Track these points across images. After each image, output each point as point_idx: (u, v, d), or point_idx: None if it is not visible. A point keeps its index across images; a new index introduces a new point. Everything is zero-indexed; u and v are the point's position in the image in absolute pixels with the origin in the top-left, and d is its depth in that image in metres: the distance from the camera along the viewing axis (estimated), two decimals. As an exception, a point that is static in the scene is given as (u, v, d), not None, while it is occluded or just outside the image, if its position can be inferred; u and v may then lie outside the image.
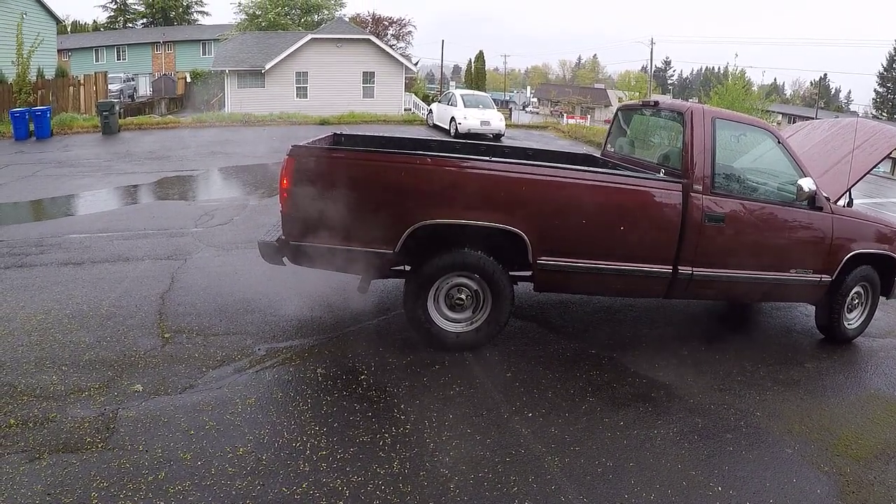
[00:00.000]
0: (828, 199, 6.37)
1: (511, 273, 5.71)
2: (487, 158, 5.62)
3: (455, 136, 23.86)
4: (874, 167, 7.01)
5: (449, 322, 5.68)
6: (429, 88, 55.55)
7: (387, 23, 52.39)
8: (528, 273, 5.71)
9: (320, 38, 35.88)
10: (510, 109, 58.08)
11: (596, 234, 5.61)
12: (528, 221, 5.41)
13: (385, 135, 7.48)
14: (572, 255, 5.62)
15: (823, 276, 6.45)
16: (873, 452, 4.84)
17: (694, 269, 5.89)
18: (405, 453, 4.16)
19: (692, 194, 5.76)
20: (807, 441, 4.87)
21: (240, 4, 51.87)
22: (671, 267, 5.85)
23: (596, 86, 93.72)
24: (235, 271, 7.41)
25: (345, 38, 36.30)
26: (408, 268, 5.63)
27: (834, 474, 4.47)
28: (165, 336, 5.62)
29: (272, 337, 5.74)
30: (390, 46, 42.93)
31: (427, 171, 5.35)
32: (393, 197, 5.26)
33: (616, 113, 7.95)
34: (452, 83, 72.69)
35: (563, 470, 4.16)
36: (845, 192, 6.79)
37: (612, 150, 7.68)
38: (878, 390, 5.98)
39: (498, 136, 25.05)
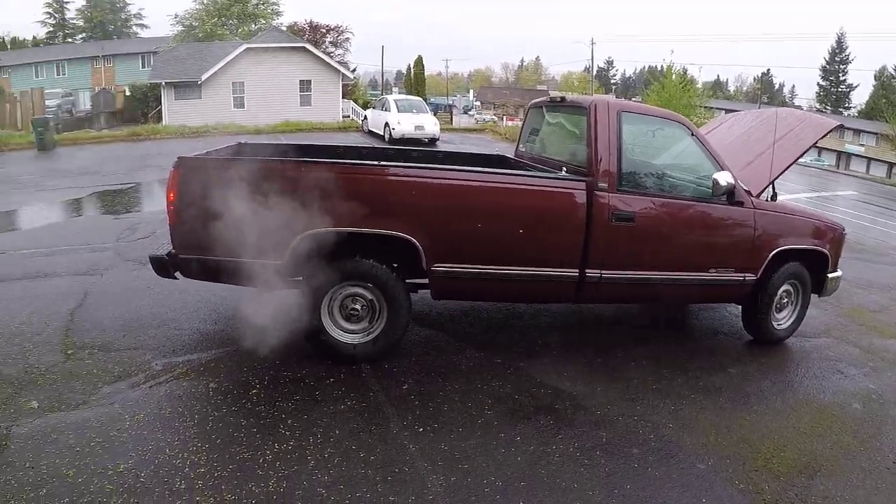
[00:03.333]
0: (749, 193, 6.09)
1: (408, 281, 5.51)
2: (375, 163, 5.42)
3: (389, 142, 23.64)
4: (800, 158, 6.68)
5: (345, 333, 5.43)
6: (371, 95, 55.14)
7: (324, 30, 52.04)
8: (425, 280, 5.47)
9: (256, 48, 35.68)
10: (451, 113, 57.59)
11: (493, 237, 5.37)
12: (419, 227, 5.18)
13: (297, 142, 7.22)
14: (469, 261, 5.39)
15: (747, 274, 6.17)
16: (797, 466, 4.50)
17: (603, 271, 5.61)
18: (284, 471, 3.99)
19: (597, 193, 5.46)
20: (722, 455, 4.53)
21: (177, 16, 51.69)
22: (578, 270, 5.58)
23: (539, 87, 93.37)
24: (148, 286, 7.22)
25: (281, 47, 36.12)
26: (301, 279, 5.34)
27: (750, 492, 4.14)
28: (68, 352, 5.47)
29: (172, 351, 5.59)
30: (328, 54, 42.88)
31: (312, 177, 5.06)
32: (279, 206, 4.94)
33: (527, 111, 7.70)
34: (395, 88, 72.14)
35: (447, 489, 3.92)
36: (768, 186, 6.49)
37: (524, 149, 7.43)
38: (808, 395, 5.66)
39: (433, 141, 24.85)
